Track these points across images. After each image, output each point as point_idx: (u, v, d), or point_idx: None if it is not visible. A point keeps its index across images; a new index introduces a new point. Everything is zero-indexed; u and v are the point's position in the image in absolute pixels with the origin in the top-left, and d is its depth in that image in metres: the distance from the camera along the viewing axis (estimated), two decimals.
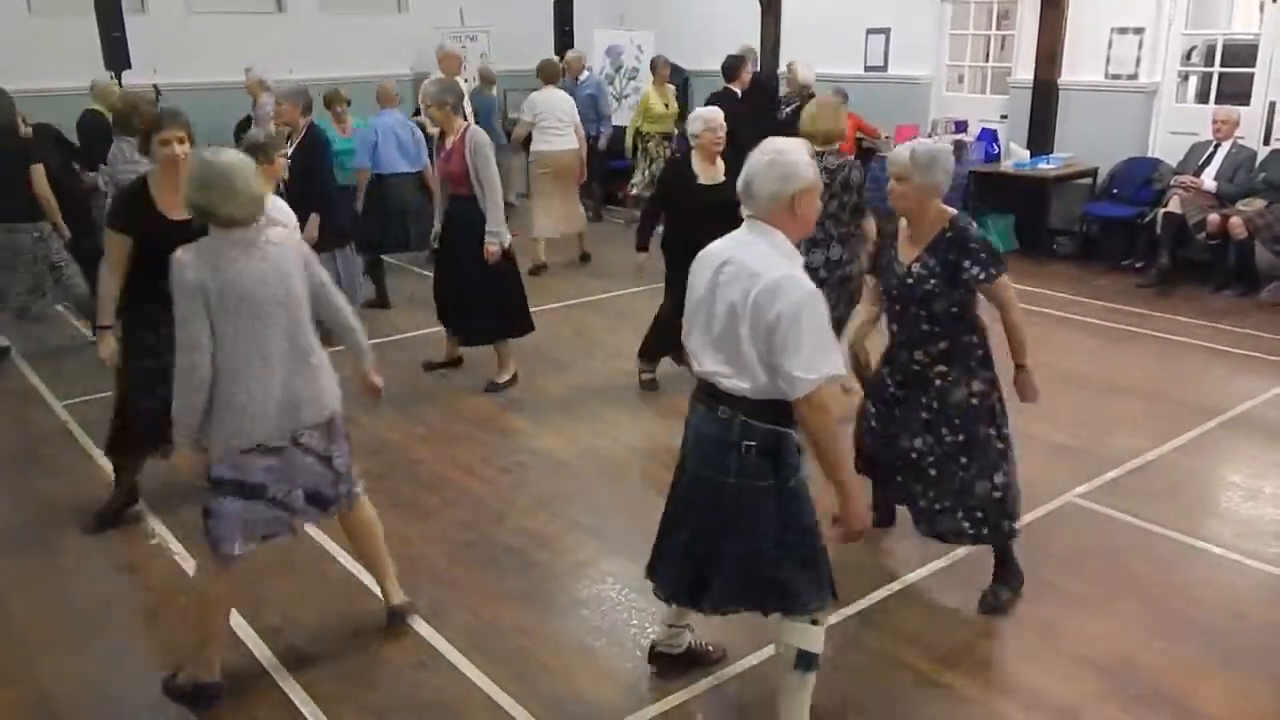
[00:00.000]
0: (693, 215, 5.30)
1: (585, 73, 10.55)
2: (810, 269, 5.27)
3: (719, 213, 5.43)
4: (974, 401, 3.71)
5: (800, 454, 2.92)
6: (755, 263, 2.78)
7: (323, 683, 3.45)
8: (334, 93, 8.19)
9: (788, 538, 2.93)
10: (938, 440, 3.75)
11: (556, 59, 9.86)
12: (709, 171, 5.64)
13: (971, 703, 3.36)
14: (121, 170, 5.81)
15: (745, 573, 2.96)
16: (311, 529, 4.45)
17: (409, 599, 3.82)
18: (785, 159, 2.81)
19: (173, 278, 3.08)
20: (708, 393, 2.93)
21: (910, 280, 3.66)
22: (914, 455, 3.80)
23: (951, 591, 3.98)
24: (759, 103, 9.10)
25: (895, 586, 3.98)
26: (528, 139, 9.15)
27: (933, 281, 3.62)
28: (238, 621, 3.78)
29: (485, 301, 6.00)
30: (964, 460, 3.71)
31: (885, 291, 3.83)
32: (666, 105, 10.19)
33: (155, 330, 4.06)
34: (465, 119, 6.05)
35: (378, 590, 3.98)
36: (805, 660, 3.00)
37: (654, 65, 10.45)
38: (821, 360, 2.71)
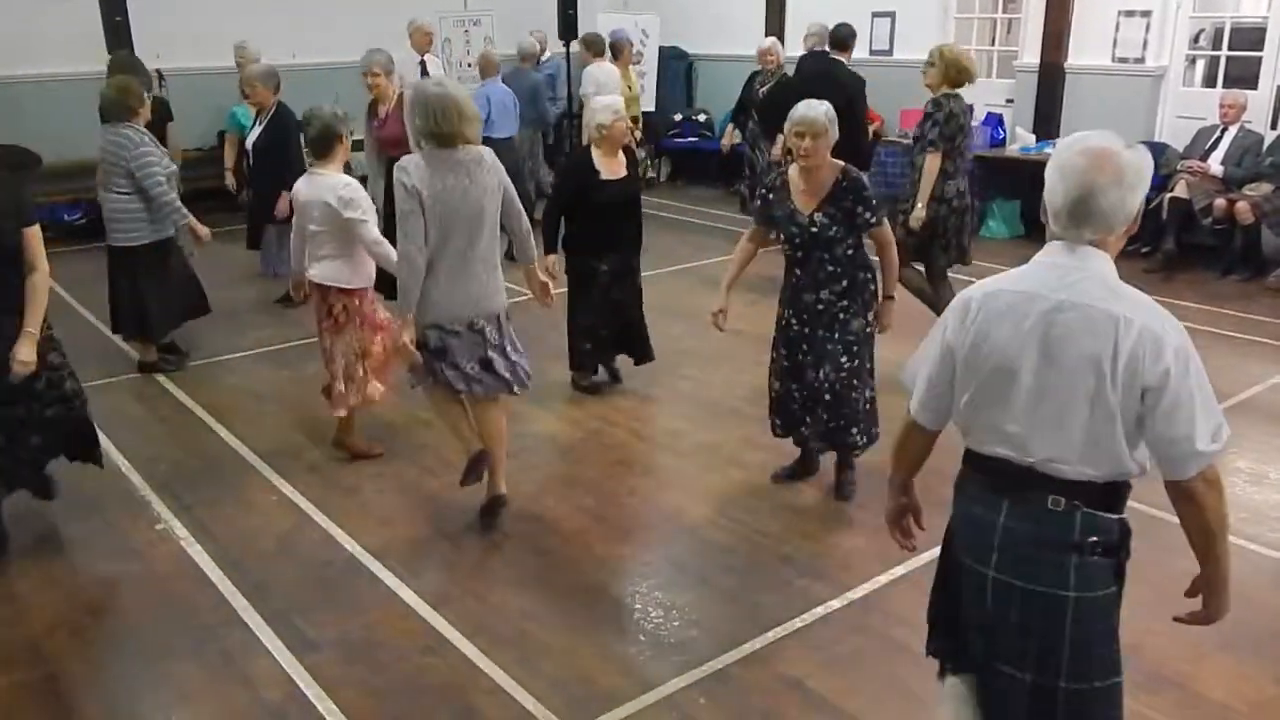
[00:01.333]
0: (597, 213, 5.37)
1: (547, 54, 10.58)
2: (945, 199, 5.81)
3: (622, 210, 5.52)
4: (867, 330, 4.34)
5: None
6: (1107, 302, 2.15)
7: (326, 666, 3.46)
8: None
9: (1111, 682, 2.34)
10: (835, 368, 4.32)
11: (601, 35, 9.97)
12: (611, 166, 5.41)
13: None
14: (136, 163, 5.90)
15: None
16: (317, 514, 4.47)
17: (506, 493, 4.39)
18: (1130, 163, 2.13)
19: (395, 181, 3.84)
20: (1019, 481, 2.20)
21: (815, 229, 4.15)
22: (817, 384, 4.35)
23: None
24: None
25: (898, 571, 3.98)
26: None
27: (835, 229, 4.14)
28: (242, 604, 3.80)
29: None
30: (855, 382, 4.34)
31: (787, 241, 4.26)
32: (630, 88, 9.99)
33: None
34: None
35: (381, 572, 4.00)
36: None
37: (615, 47, 10.07)
38: (1218, 422, 2.08)
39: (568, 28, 11.39)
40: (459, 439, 4.34)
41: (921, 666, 3.43)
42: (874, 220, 4.19)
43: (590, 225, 5.45)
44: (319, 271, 4.72)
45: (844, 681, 3.36)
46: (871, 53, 10.64)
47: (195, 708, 3.35)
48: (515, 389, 4.31)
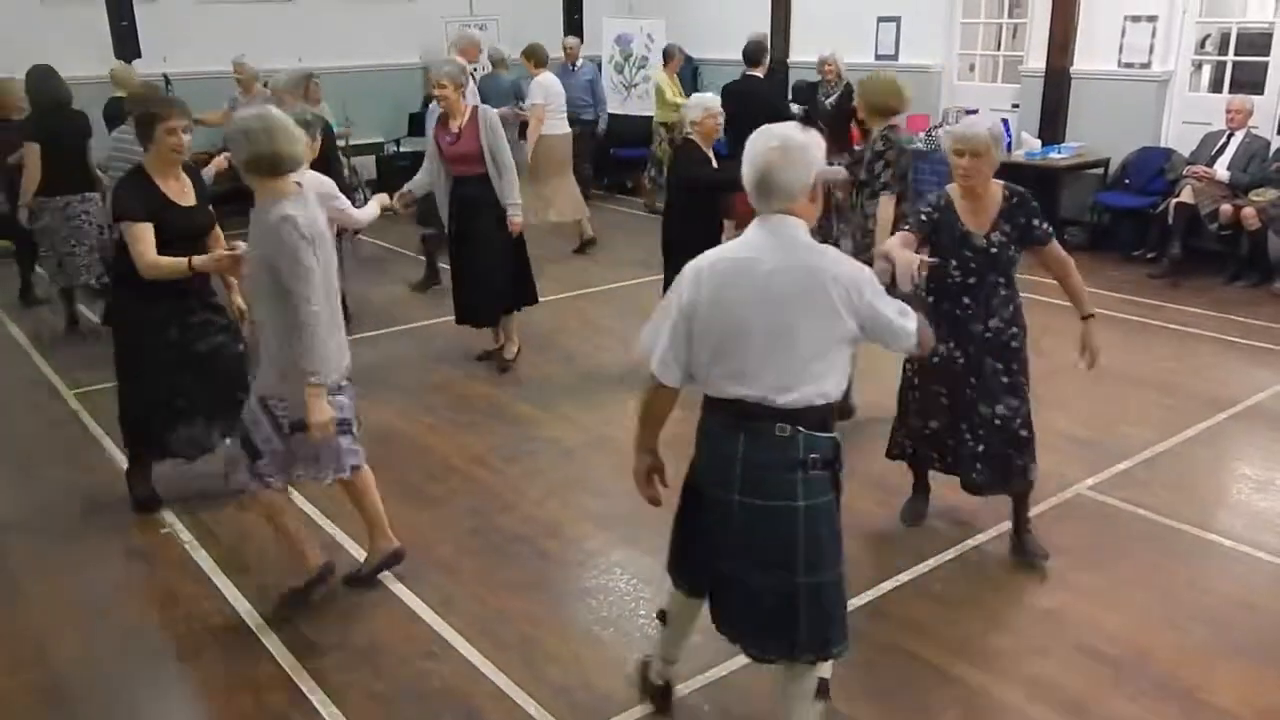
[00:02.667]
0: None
1: (581, 59, 10.57)
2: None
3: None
4: (1026, 356, 3.95)
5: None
6: (810, 258, 2.60)
7: (331, 671, 3.46)
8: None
9: (838, 567, 2.71)
10: (1022, 400, 3.94)
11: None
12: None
13: (980, 693, 3.35)
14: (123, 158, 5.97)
15: (811, 605, 2.67)
16: (322, 519, 4.47)
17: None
18: (798, 143, 2.60)
19: (297, 231, 3.33)
20: (753, 415, 2.62)
21: (994, 249, 3.80)
22: (998, 421, 3.91)
23: (961, 583, 3.97)
24: (775, 90, 9.07)
25: (904, 578, 3.97)
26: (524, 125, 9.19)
27: (1012, 247, 3.81)
28: (245, 609, 3.80)
29: (502, 279, 6.04)
30: (1026, 410, 3.96)
31: (959, 267, 3.83)
32: (674, 95, 10.10)
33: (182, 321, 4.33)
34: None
35: (385, 576, 4.00)
36: (825, 688, 2.82)
37: (666, 54, 10.41)
38: (898, 307, 2.70)
39: (573, 31, 11.43)
40: (305, 552, 3.85)
41: (926, 672, 3.43)
42: (1051, 231, 3.85)
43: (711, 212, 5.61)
44: None
45: (847, 688, 3.34)
46: (877, 58, 10.63)
47: (198, 711, 3.35)
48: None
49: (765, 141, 2.60)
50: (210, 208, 4.45)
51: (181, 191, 4.28)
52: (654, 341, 2.74)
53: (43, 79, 6.66)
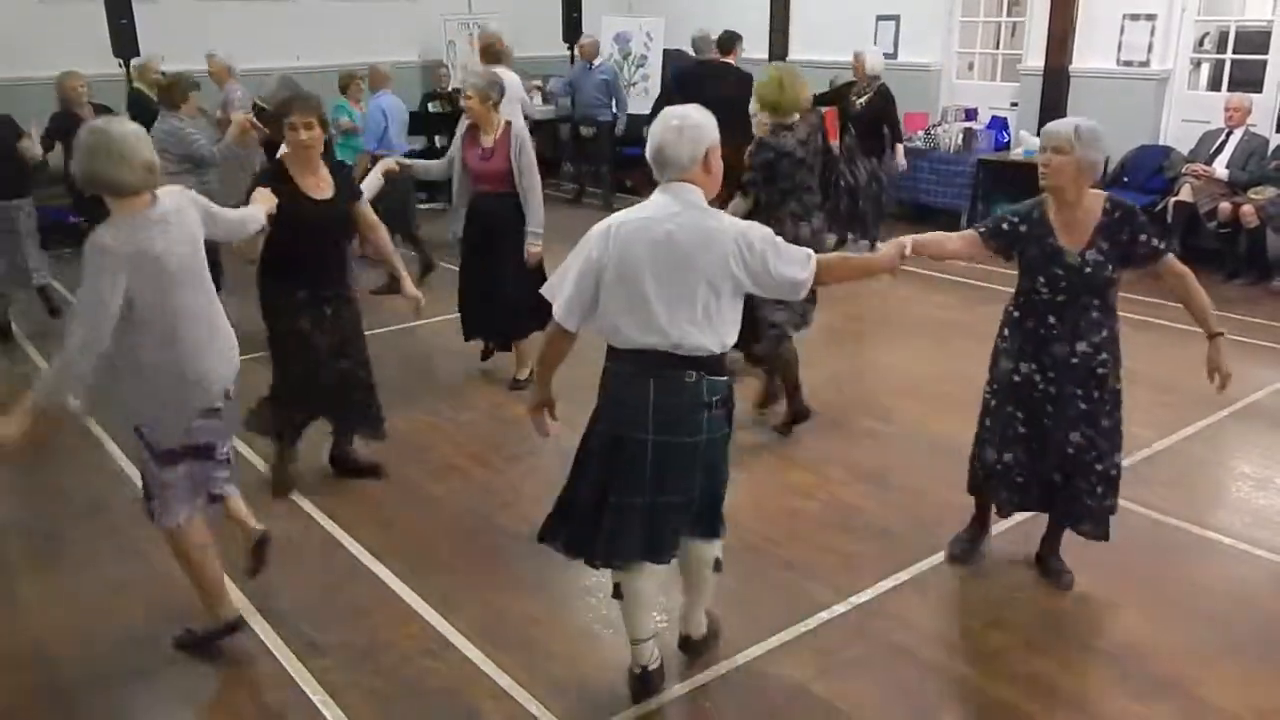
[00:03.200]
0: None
1: (599, 58, 10.55)
2: (796, 242, 5.26)
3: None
4: (1117, 387, 3.75)
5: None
6: (704, 220, 2.92)
7: (331, 670, 3.47)
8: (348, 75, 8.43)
9: (725, 475, 3.21)
10: (1098, 431, 3.70)
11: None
12: None
13: (979, 693, 3.36)
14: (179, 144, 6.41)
15: (708, 508, 3.19)
16: (322, 518, 4.47)
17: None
18: (692, 122, 2.92)
19: (99, 258, 2.99)
20: (662, 363, 2.94)
21: (1088, 269, 3.56)
22: (1072, 450, 3.70)
23: (959, 582, 3.98)
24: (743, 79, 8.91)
25: (903, 577, 3.98)
26: None
27: (1110, 267, 3.57)
28: (245, 607, 3.80)
29: (525, 299, 5.53)
30: (1107, 446, 3.75)
31: (1047, 284, 3.59)
32: None
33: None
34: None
35: (385, 575, 4.01)
36: (719, 564, 3.36)
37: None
38: (803, 255, 3.01)
39: (571, 30, 11.42)
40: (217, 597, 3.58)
41: (926, 671, 3.43)
42: (1162, 246, 3.64)
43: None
44: None
45: (847, 686, 3.36)
46: None
47: (199, 711, 3.35)
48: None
49: (665, 121, 2.92)
50: (356, 201, 4.53)
51: (317, 185, 4.36)
52: (560, 288, 3.05)
53: None
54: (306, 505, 4.58)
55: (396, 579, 4.00)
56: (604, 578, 4.04)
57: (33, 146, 6.68)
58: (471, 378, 6.19)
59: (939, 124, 9.86)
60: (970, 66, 10.58)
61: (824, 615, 3.73)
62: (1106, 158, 8.82)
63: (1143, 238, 3.56)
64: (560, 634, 3.68)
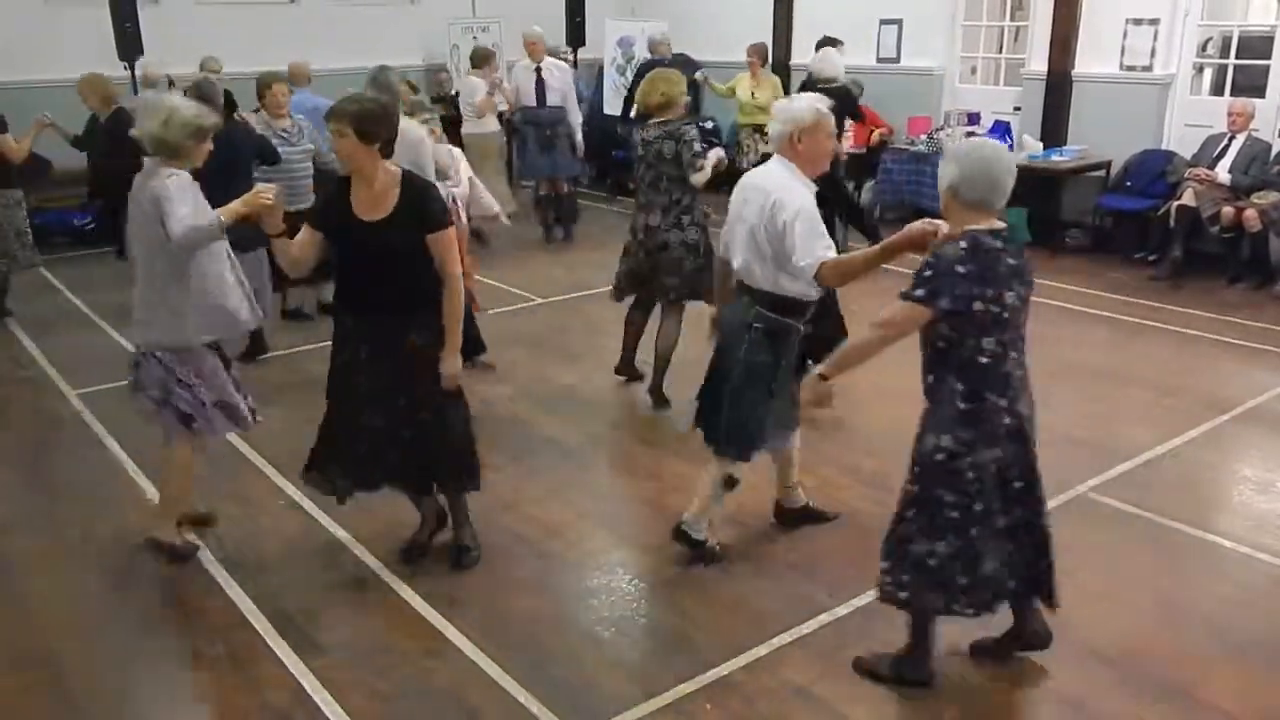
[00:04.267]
0: None
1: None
2: (631, 230, 5.60)
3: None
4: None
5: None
6: (766, 181, 3.71)
7: (334, 669, 3.47)
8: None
9: (754, 406, 3.84)
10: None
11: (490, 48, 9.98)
12: None
13: (981, 694, 3.37)
14: None
15: (711, 410, 3.96)
16: (324, 519, 4.48)
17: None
18: (787, 105, 3.74)
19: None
20: (740, 288, 3.84)
21: None
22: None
23: None
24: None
25: None
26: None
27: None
28: (249, 607, 3.81)
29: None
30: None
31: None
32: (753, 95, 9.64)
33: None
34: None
35: (387, 576, 4.01)
36: (732, 482, 4.04)
37: (759, 51, 9.88)
38: (822, 244, 3.56)
39: (575, 34, 11.44)
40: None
41: (927, 671, 3.43)
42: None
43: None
44: None
45: (848, 688, 3.36)
46: (879, 60, 10.65)
47: (202, 711, 3.36)
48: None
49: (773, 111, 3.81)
50: (427, 231, 3.71)
51: (369, 204, 3.70)
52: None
53: None
54: (309, 505, 4.59)
55: (398, 579, 4.01)
56: (604, 579, 4.06)
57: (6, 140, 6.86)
58: (471, 379, 6.18)
59: (942, 128, 9.86)
60: (973, 70, 10.59)
61: (825, 617, 3.74)
62: (1109, 162, 8.97)
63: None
64: (562, 635, 3.69)
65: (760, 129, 9.62)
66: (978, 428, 3.04)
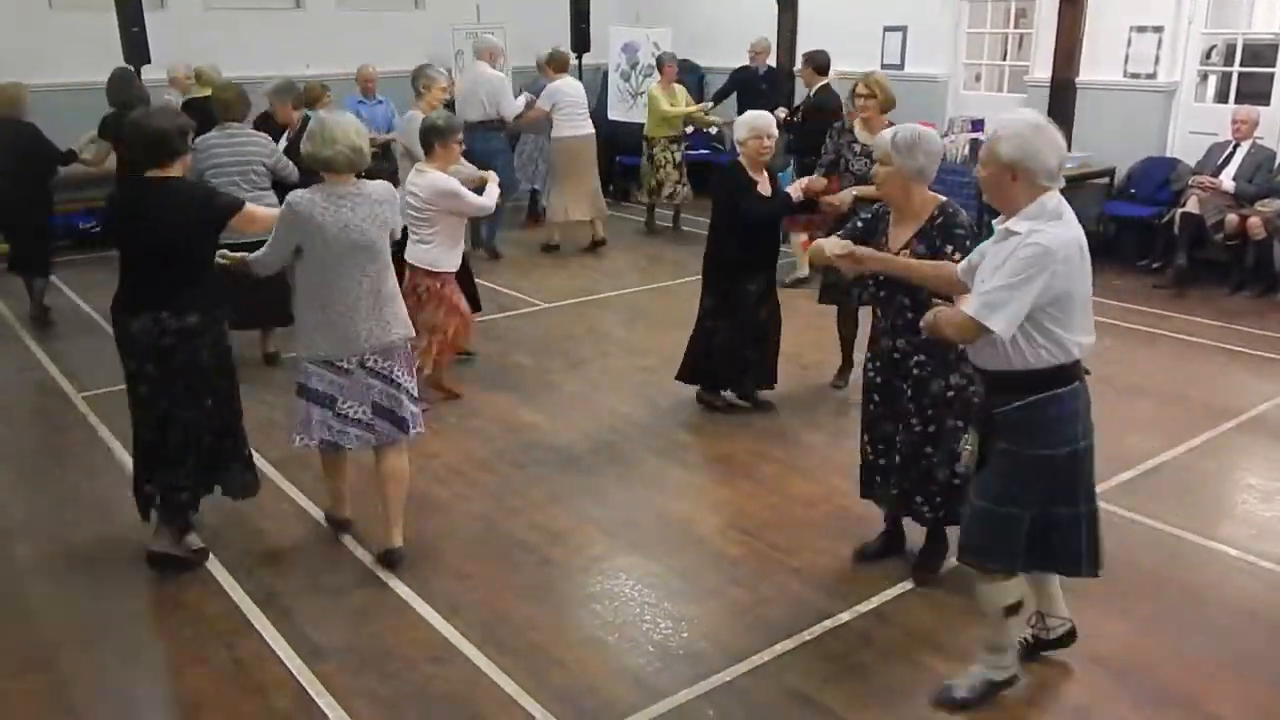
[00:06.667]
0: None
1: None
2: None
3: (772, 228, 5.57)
4: (949, 394, 3.78)
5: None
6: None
7: (337, 674, 3.48)
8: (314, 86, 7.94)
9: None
10: (908, 429, 3.85)
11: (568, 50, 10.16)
12: (762, 183, 5.33)
13: (985, 701, 3.36)
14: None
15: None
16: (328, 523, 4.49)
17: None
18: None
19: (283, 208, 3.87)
20: None
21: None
22: (900, 445, 3.89)
23: (966, 590, 3.97)
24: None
25: (908, 585, 3.98)
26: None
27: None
28: (253, 612, 3.82)
29: None
30: (928, 450, 3.83)
31: (871, 276, 3.83)
32: (672, 106, 9.92)
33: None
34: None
35: (391, 581, 4.02)
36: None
37: (659, 63, 10.26)
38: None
39: (580, 40, 11.46)
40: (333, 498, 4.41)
41: (929, 678, 3.43)
42: (957, 258, 3.50)
43: (746, 240, 5.33)
44: (411, 253, 5.46)
45: (852, 694, 3.36)
46: (883, 67, 10.63)
47: (205, 715, 3.36)
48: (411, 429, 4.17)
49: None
50: None
51: None
52: None
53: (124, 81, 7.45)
54: (313, 509, 4.60)
55: (402, 584, 4.02)
56: (608, 585, 4.06)
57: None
58: (477, 384, 6.20)
59: (946, 135, 9.85)
60: (977, 78, 10.59)
61: (829, 623, 3.74)
62: (1113, 169, 8.97)
63: (949, 248, 3.63)
64: (565, 640, 3.69)
65: (677, 140, 9.96)
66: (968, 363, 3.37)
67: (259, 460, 5.10)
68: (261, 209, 4.31)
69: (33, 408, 5.99)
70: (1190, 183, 8.19)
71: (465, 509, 4.66)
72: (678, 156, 10.02)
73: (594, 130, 9.67)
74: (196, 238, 3.94)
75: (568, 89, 9.40)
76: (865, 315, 4.49)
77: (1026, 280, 2.81)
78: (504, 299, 7.88)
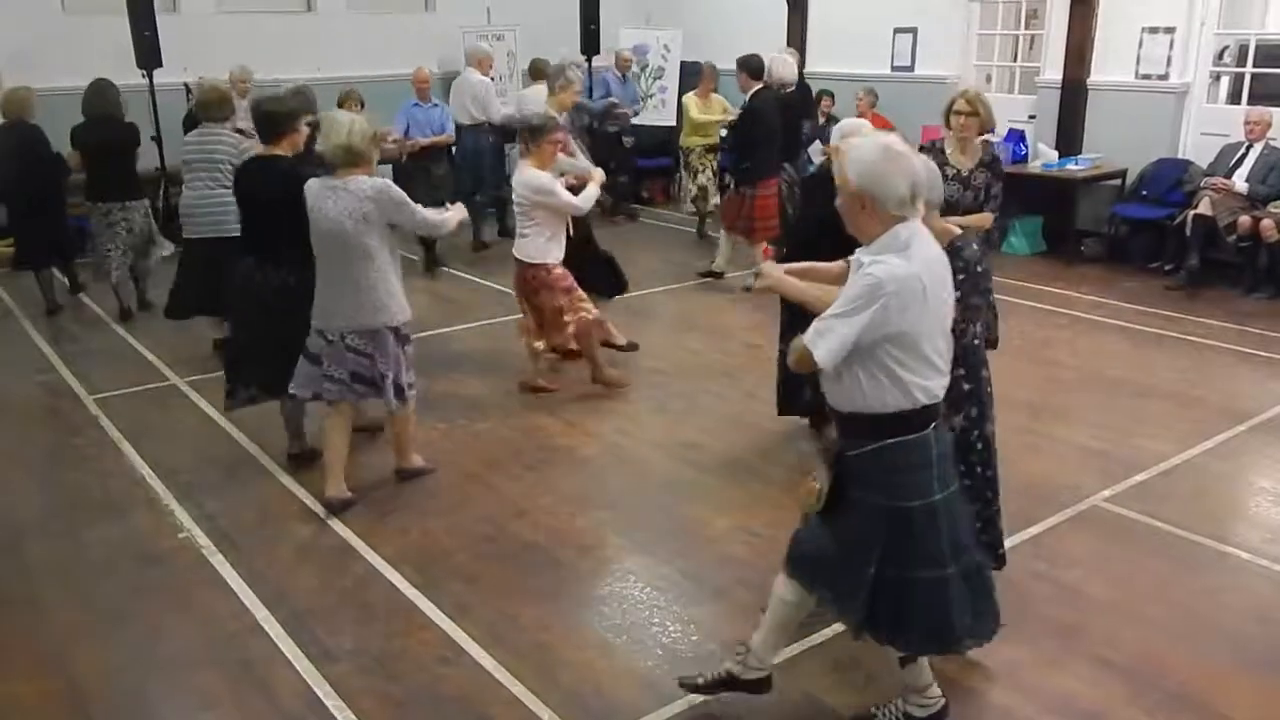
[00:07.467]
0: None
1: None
2: None
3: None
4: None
5: None
6: None
7: (346, 676, 3.48)
8: (348, 93, 8.30)
9: None
10: None
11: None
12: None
13: (995, 706, 3.35)
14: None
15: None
16: (337, 524, 4.50)
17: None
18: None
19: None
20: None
21: None
22: None
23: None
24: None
25: None
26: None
27: None
28: (263, 615, 3.83)
29: None
30: None
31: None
32: (702, 114, 9.66)
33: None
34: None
35: (400, 582, 4.02)
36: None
37: (700, 71, 10.05)
38: None
39: (590, 43, 11.46)
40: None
41: (940, 683, 3.41)
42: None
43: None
44: (516, 244, 5.91)
45: (861, 697, 3.35)
46: (894, 69, 10.65)
47: (215, 716, 3.37)
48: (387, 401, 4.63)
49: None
50: None
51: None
52: None
53: (96, 93, 7.38)
54: (322, 511, 4.60)
55: (411, 586, 4.02)
56: (616, 587, 4.05)
57: None
58: (485, 386, 6.21)
59: None
60: (988, 79, 10.55)
61: (838, 626, 3.72)
62: (1125, 171, 8.93)
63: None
64: (573, 642, 3.69)
65: (713, 149, 9.76)
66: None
67: (269, 463, 5.13)
68: None
69: (45, 409, 6.01)
70: (1202, 184, 8.16)
71: (474, 511, 4.66)
72: (715, 165, 9.86)
73: None
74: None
75: (534, 96, 9.32)
76: None
77: (853, 311, 2.67)
78: (509, 301, 7.86)
